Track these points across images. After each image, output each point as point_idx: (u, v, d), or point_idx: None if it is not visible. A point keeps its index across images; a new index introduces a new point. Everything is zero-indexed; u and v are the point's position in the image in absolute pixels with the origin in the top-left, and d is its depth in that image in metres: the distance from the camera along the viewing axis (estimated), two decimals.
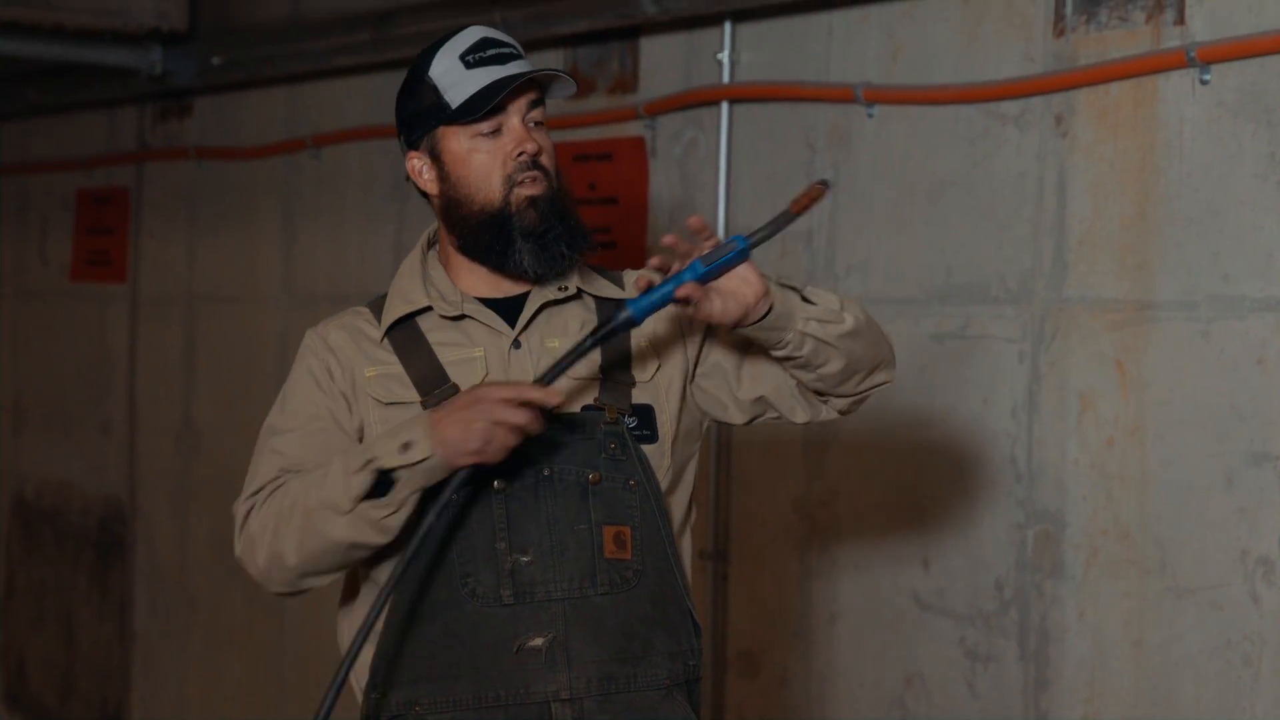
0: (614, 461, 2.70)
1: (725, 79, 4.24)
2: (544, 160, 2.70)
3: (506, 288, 2.75)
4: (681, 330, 2.82)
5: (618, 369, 2.75)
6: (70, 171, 6.68)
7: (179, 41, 5.71)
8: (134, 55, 5.66)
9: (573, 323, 2.76)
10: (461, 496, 2.64)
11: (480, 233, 2.70)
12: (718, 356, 2.81)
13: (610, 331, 2.57)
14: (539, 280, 2.72)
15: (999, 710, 3.70)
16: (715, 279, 2.55)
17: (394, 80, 5.17)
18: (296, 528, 2.63)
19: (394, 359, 2.73)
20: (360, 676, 2.75)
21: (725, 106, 4.24)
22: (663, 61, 4.46)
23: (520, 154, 2.68)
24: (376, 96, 5.30)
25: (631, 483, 2.71)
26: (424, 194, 2.77)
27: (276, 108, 5.69)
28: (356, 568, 2.75)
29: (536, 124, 2.72)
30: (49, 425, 6.86)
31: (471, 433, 2.51)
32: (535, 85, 2.72)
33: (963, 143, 3.76)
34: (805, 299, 2.67)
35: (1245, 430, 3.29)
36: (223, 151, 5.92)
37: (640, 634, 2.69)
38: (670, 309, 2.65)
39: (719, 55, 4.24)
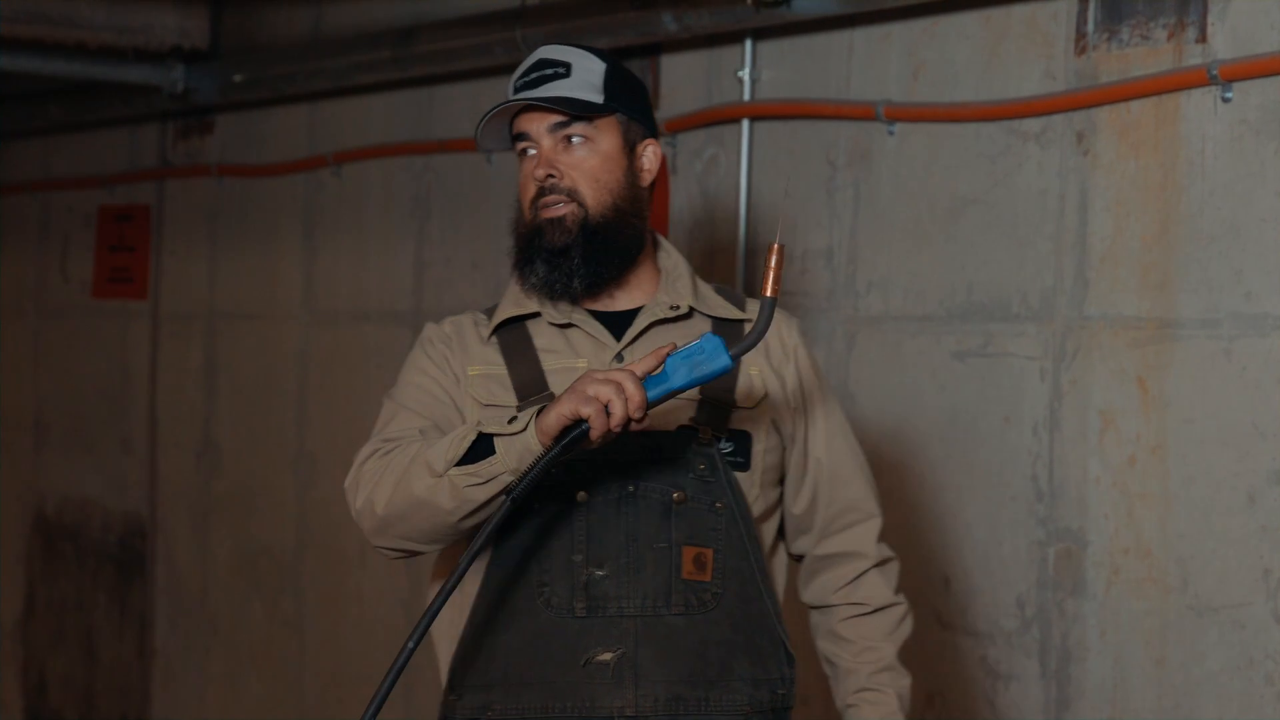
0: (702, 482, 2.69)
1: (746, 96, 4.24)
2: (565, 183, 2.70)
3: (619, 301, 2.76)
4: (788, 385, 2.81)
5: (721, 391, 2.74)
6: (92, 188, 6.70)
7: (201, 59, 5.72)
8: (156, 73, 5.67)
9: (681, 341, 2.73)
10: (546, 508, 2.64)
11: (516, 245, 2.76)
12: (807, 450, 2.84)
13: (572, 441, 2.49)
14: (551, 292, 2.73)
15: None
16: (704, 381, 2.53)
17: (415, 97, 5.23)
18: (394, 478, 2.63)
19: (499, 360, 2.75)
20: (442, 677, 2.77)
21: (746, 124, 4.24)
22: (683, 79, 4.47)
23: (537, 178, 2.71)
24: (398, 113, 5.31)
25: (719, 505, 2.69)
26: None
27: (298, 125, 5.70)
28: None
29: (572, 140, 2.72)
30: (70, 442, 6.87)
31: (570, 400, 2.47)
32: (561, 104, 2.72)
33: (984, 160, 3.76)
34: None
35: (1267, 448, 3.28)
36: (244, 169, 5.93)
37: (717, 658, 2.67)
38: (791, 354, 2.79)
39: (740, 73, 4.25)
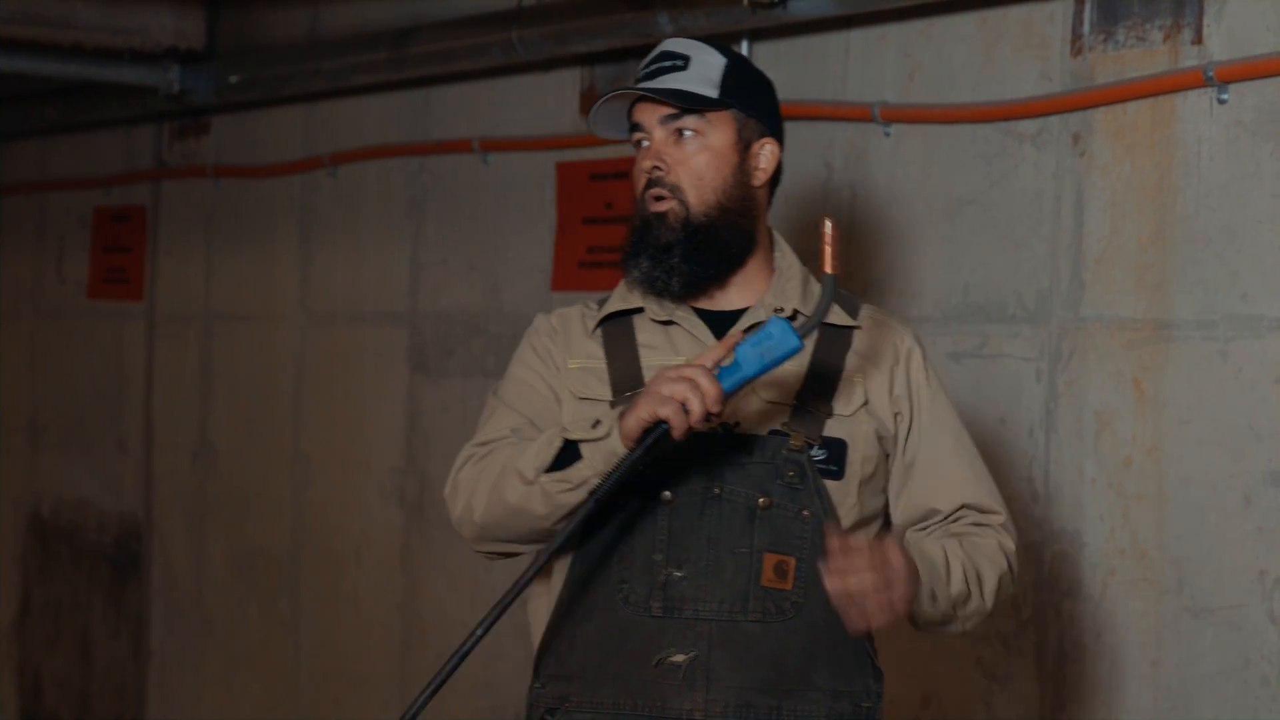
0: (789, 489, 2.65)
1: None
2: (670, 178, 2.68)
3: (726, 300, 2.74)
4: (894, 391, 2.76)
5: (817, 397, 2.69)
6: (88, 189, 6.69)
7: (196, 60, 5.71)
8: (151, 74, 5.66)
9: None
10: (632, 505, 2.63)
11: (627, 235, 2.74)
12: (914, 457, 2.78)
13: (653, 443, 2.52)
14: (651, 288, 2.71)
15: None
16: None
17: (411, 98, 5.23)
18: (488, 486, 2.64)
19: (600, 354, 2.73)
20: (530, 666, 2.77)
21: None
22: None
23: (646, 169, 2.70)
24: (394, 115, 5.31)
25: (805, 513, 2.65)
26: None
27: (294, 126, 5.70)
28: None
29: (683, 134, 2.69)
30: (66, 443, 6.87)
31: (647, 403, 2.48)
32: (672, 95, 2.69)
33: (980, 161, 3.76)
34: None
35: (1263, 450, 3.28)
36: (240, 170, 5.93)
37: (794, 667, 2.63)
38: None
39: None
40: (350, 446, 5.48)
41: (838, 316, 2.75)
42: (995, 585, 2.71)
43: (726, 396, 2.50)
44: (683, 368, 2.48)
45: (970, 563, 2.69)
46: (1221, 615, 3.34)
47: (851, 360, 2.74)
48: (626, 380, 2.70)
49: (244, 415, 5.95)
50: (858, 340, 2.76)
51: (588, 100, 4.70)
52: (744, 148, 2.73)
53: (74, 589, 6.76)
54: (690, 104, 2.68)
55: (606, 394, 2.69)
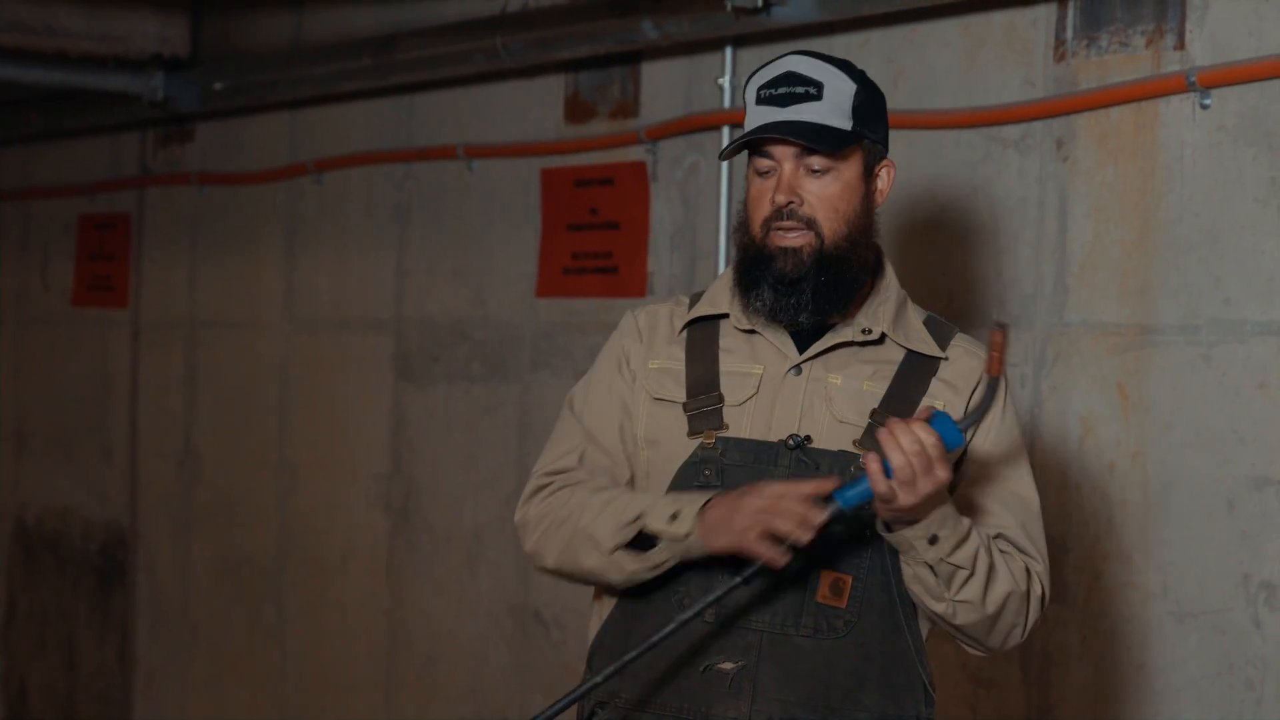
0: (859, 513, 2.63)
1: (726, 104, 4.25)
2: (804, 211, 2.63)
3: None
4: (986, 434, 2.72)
5: (891, 419, 2.61)
6: (72, 197, 6.69)
7: (181, 67, 5.71)
8: (136, 81, 5.66)
9: (866, 366, 2.69)
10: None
11: (741, 261, 2.69)
12: (972, 490, 2.73)
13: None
14: (774, 319, 2.67)
15: None
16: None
17: (396, 105, 5.23)
18: (562, 540, 2.69)
19: (681, 355, 2.73)
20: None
21: (727, 131, 4.24)
22: (664, 86, 4.47)
23: (774, 201, 2.64)
24: (379, 121, 5.31)
25: (867, 532, 2.63)
26: None
27: (278, 133, 5.70)
28: None
29: (815, 171, 2.64)
30: (50, 450, 6.86)
31: (733, 525, 2.50)
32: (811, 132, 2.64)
33: (963, 167, 3.77)
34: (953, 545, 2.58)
35: (1247, 454, 3.28)
36: (224, 177, 5.92)
37: (843, 686, 2.62)
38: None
39: (720, 80, 4.25)
40: (335, 453, 5.47)
41: (926, 346, 2.72)
42: (1003, 596, 2.63)
43: (847, 511, 2.51)
44: (790, 498, 2.48)
45: (989, 555, 2.62)
46: (1206, 619, 3.35)
47: (935, 388, 2.71)
48: (702, 383, 2.69)
49: (229, 422, 5.95)
50: (944, 370, 2.72)
51: (572, 106, 4.70)
52: (869, 174, 2.71)
53: (59, 597, 6.75)
54: (835, 146, 2.64)
55: (681, 395, 2.69)
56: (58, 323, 6.81)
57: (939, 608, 2.62)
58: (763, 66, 2.70)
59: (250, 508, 5.82)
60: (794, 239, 2.64)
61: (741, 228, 2.70)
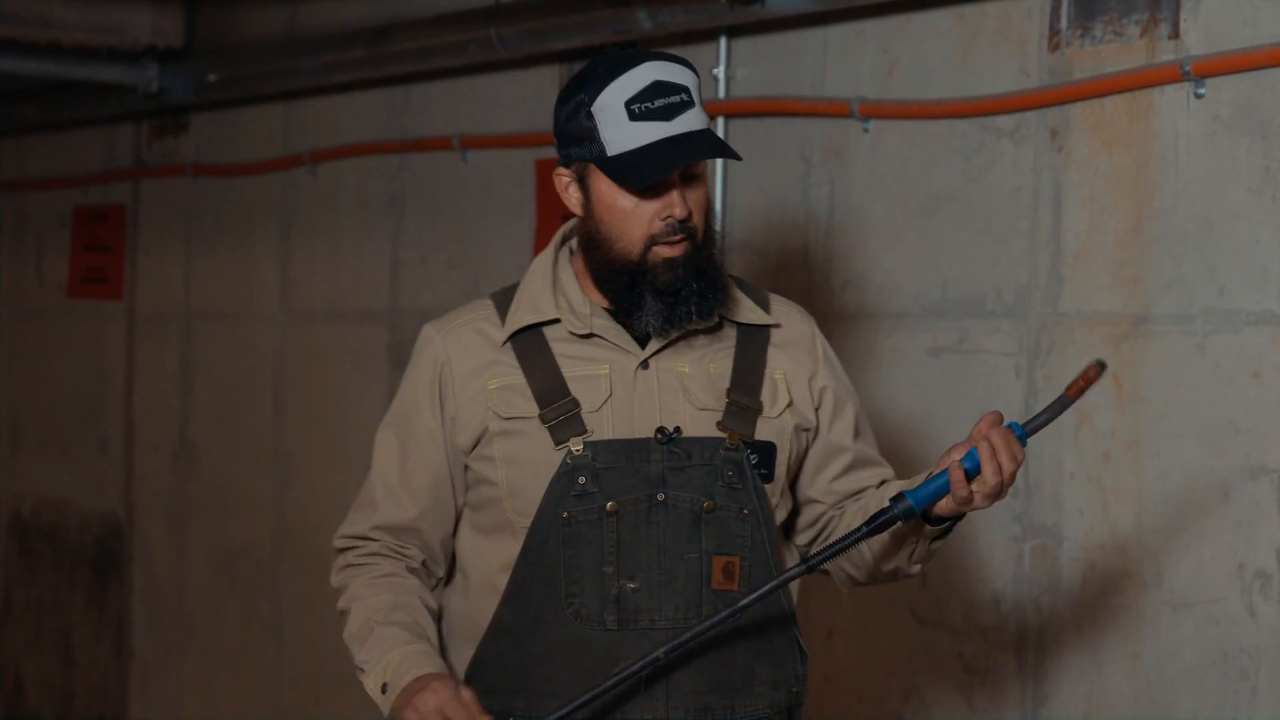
0: (730, 489, 2.67)
1: (721, 94, 4.24)
2: (693, 221, 2.64)
3: None
4: (812, 379, 2.79)
5: (746, 395, 2.71)
6: (67, 189, 6.68)
7: (175, 58, 5.71)
8: (130, 72, 5.65)
9: (706, 349, 2.71)
10: (576, 518, 2.66)
11: (613, 279, 2.66)
12: (832, 439, 2.82)
13: (885, 523, 2.58)
14: (667, 329, 2.67)
15: None
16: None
17: (390, 96, 5.22)
18: (347, 627, 2.83)
19: (516, 368, 2.69)
20: (456, 675, 2.75)
21: (721, 121, 4.24)
22: None
23: (668, 217, 2.63)
24: (373, 112, 5.30)
25: (745, 512, 2.68)
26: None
27: (273, 124, 5.69)
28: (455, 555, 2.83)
29: (691, 177, 2.64)
30: (46, 443, 6.85)
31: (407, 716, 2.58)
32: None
33: (958, 157, 3.77)
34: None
35: (1241, 443, 3.29)
36: (219, 168, 5.92)
37: (741, 664, 2.67)
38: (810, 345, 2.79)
39: (715, 70, 4.24)
40: (331, 445, 5.47)
41: (754, 315, 2.78)
42: None
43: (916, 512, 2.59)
44: (459, 702, 2.56)
45: None
46: (1201, 609, 3.35)
47: (772, 355, 2.76)
48: (551, 393, 2.67)
49: (224, 415, 5.94)
50: (776, 335, 2.79)
51: None
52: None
53: (55, 590, 6.75)
54: (732, 157, 2.68)
55: (532, 409, 2.67)
56: (52, 315, 6.81)
57: (914, 569, 2.77)
58: (609, 76, 2.62)
59: (246, 500, 5.82)
60: (681, 249, 2.64)
61: (605, 243, 2.65)
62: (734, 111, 4.22)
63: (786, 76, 4.13)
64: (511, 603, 2.68)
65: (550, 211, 4.74)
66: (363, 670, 2.70)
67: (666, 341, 2.70)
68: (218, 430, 5.98)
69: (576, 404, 2.66)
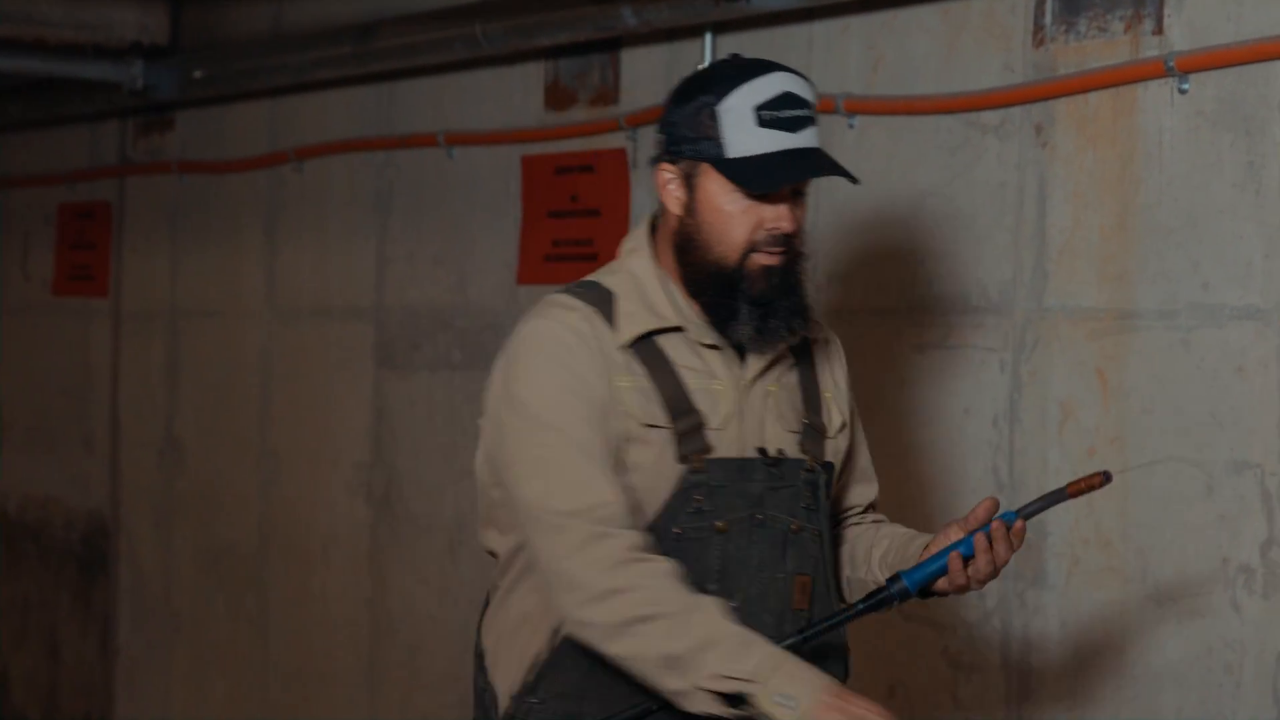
0: (808, 511, 2.69)
1: None
2: (795, 238, 2.64)
3: None
4: (843, 397, 2.82)
5: (815, 416, 2.73)
6: (52, 186, 6.67)
7: (160, 55, 5.70)
8: (115, 69, 5.65)
9: (780, 365, 2.73)
10: (686, 531, 2.62)
11: (708, 283, 2.64)
12: (853, 456, 2.88)
13: (881, 603, 2.61)
14: (761, 343, 2.66)
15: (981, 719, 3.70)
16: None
17: (376, 93, 5.22)
18: (638, 639, 2.53)
19: (642, 372, 2.64)
20: (509, 678, 2.69)
21: None
22: (644, 73, 4.47)
23: (774, 228, 2.62)
24: (359, 109, 5.30)
25: (818, 532, 2.71)
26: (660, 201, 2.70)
27: (259, 121, 5.69)
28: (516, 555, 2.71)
29: (799, 194, 2.65)
30: (32, 440, 6.85)
31: None
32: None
33: (943, 153, 3.77)
34: None
35: (1225, 438, 3.29)
36: (205, 165, 5.91)
37: None
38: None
39: (700, 67, 4.24)
40: (317, 442, 5.47)
41: (816, 329, 2.80)
42: None
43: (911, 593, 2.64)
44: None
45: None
46: (1185, 603, 3.35)
47: (820, 373, 2.79)
48: (678, 404, 2.63)
49: (211, 412, 5.94)
50: (815, 351, 2.81)
51: (552, 93, 4.70)
52: None
53: (41, 587, 6.74)
54: (851, 179, 2.67)
55: (665, 418, 2.62)
56: (38, 312, 6.80)
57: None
58: (740, 79, 2.61)
59: (232, 497, 5.82)
60: (778, 260, 2.63)
61: (703, 245, 2.63)
62: None
63: None
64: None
65: (536, 207, 4.74)
66: (742, 681, 2.48)
67: (769, 361, 2.69)
68: (204, 427, 5.97)
69: (703, 419, 2.64)
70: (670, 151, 2.66)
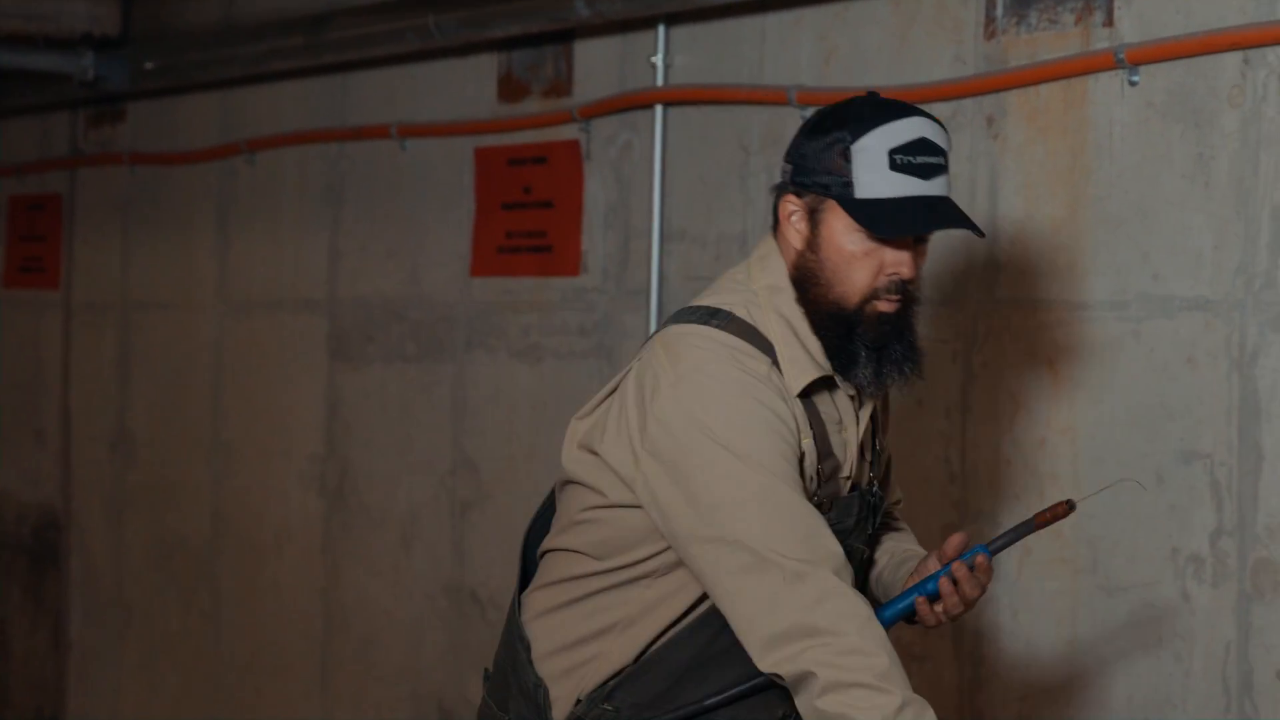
0: (869, 537, 2.74)
1: (659, 82, 4.25)
2: (914, 285, 2.62)
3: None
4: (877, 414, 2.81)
5: (883, 441, 2.77)
6: (2, 178, 6.63)
7: (111, 46, 5.67)
8: (66, 60, 5.62)
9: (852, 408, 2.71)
10: None
11: (827, 324, 2.60)
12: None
13: None
14: (878, 388, 2.64)
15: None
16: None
17: (329, 84, 5.21)
18: (851, 703, 2.45)
19: (807, 424, 2.61)
20: (578, 681, 2.68)
21: (659, 109, 4.24)
22: (597, 65, 4.47)
23: (895, 274, 2.59)
24: (312, 101, 5.28)
25: (868, 555, 2.78)
26: (775, 227, 2.65)
27: (210, 113, 5.66)
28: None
29: (923, 241, 2.62)
30: None
31: None
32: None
33: None
34: None
35: (1175, 429, 3.31)
36: (156, 157, 5.89)
37: None
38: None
39: (653, 58, 4.25)
40: (270, 435, 5.45)
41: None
42: None
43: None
44: None
45: None
46: (1135, 593, 3.37)
47: (869, 402, 2.78)
48: (824, 451, 2.63)
49: (163, 404, 5.92)
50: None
51: (505, 85, 4.69)
52: None
53: None
54: (978, 233, 2.65)
55: (814, 468, 2.62)
56: None
57: None
58: (877, 121, 2.56)
59: (184, 490, 5.80)
60: (895, 307, 2.61)
61: (824, 284, 2.60)
62: (672, 99, 4.22)
63: (724, 64, 4.14)
64: (705, 628, 2.62)
65: (489, 200, 4.73)
66: None
67: (873, 408, 2.71)
68: (156, 420, 5.95)
69: (840, 467, 2.65)
70: (797, 183, 2.62)
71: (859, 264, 2.58)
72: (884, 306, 2.59)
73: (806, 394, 2.60)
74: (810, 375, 2.59)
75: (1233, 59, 3.24)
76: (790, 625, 2.46)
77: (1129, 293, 3.38)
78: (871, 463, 2.74)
